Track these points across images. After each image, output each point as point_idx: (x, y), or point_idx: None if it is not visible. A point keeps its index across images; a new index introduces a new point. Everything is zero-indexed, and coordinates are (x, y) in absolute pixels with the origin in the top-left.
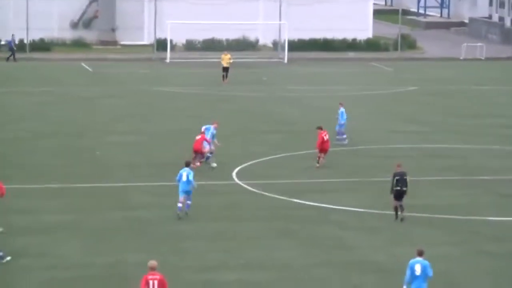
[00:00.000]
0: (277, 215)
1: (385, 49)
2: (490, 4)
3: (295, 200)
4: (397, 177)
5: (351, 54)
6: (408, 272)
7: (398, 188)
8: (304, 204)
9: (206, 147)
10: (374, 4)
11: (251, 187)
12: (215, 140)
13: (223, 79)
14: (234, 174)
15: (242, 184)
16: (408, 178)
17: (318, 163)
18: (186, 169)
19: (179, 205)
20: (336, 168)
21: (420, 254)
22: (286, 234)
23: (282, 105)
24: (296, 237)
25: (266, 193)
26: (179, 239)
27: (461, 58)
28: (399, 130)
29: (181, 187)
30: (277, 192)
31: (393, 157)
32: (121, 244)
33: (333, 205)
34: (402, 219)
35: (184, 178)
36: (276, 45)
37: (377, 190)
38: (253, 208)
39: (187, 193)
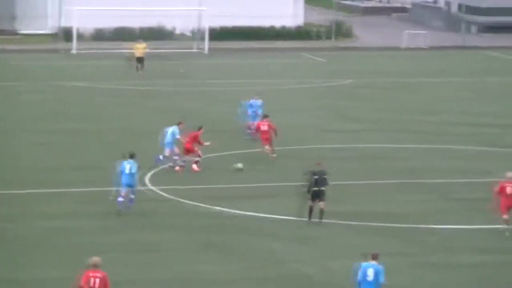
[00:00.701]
0: (198, 224)
1: (318, 37)
2: None
3: (217, 208)
4: (316, 176)
5: (279, 44)
6: (359, 275)
7: (317, 188)
8: (228, 212)
9: (167, 150)
10: None
11: (167, 193)
12: (180, 139)
13: (137, 70)
14: (147, 179)
15: (157, 190)
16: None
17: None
18: (131, 161)
19: (120, 199)
20: (264, 171)
21: (374, 257)
22: (208, 246)
23: (202, 101)
24: (219, 249)
25: (184, 200)
26: (97, 251)
27: (402, 47)
28: (334, 128)
29: (123, 180)
30: (197, 199)
31: (328, 159)
32: (37, 258)
33: (261, 213)
34: (319, 221)
35: (127, 171)
36: (195, 34)
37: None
38: (170, 217)
39: (130, 186)
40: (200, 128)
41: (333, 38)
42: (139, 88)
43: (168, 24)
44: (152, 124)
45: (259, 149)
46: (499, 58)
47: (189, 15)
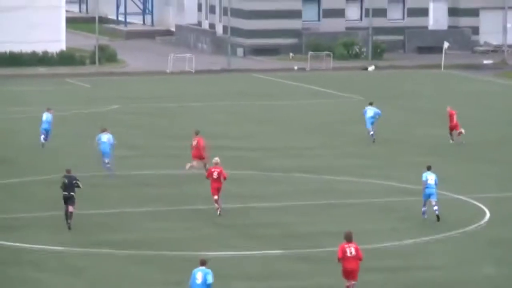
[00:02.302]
0: None
1: (82, 63)
2: (199, 9)
3: None
4: (65, 180)
5: (42, 70)
6: (190, 279)
7: (66, 193)
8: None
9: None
10: (67, 11)
11: None
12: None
13: None
14: None
15: None
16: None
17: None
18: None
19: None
20: (29, 201)
21: (203, 263)
22: None
23: None
24: None
25: None
26: None
27: (168, 71)
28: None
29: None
30: None
31: (96, 186)
32: None
33: (26, 243)
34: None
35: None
36: None
37: (77, 225)
38: None
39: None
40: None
41: (97, 63)
42: None
43: None
44: None
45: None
46: (265, 80)
47: None
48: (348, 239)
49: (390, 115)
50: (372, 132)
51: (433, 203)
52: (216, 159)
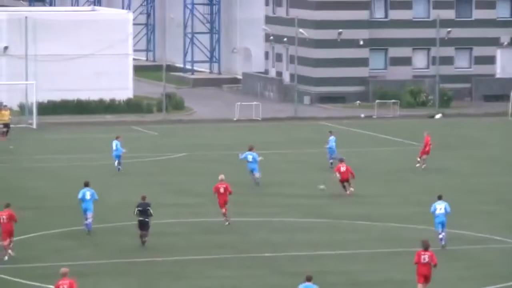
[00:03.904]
0: None
1: (149, 110)
2: (266, 57)
3: (51, 287)
4: (139, 208)
5: (109, 117)
6: None
7: (141, 218)
8: None
9: None
10: (135, 59)
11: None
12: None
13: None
14: None
15: None
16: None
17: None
18: (87, 188)
19: (88, 221)
20: (96, 248)
21: (309, 279)
22: None
23: (31, 178)
24: None
25: (17, 279)
26: None
27: (235, 119)
28: (167, 202)
29: (84, 205)
30: (30, 278)
31: (158, 235)
32: None
33: None
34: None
35: (88, 197)
36: (23, 108)
37: (142, 273)
38: None
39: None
40: None
41: (164, 111)
42: None
43: None
44: None
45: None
46: (332, 128)
47: (16, 89)
48: (425, 247)
49: (457, 163)
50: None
51: (440, 231)
52: (222, 176)
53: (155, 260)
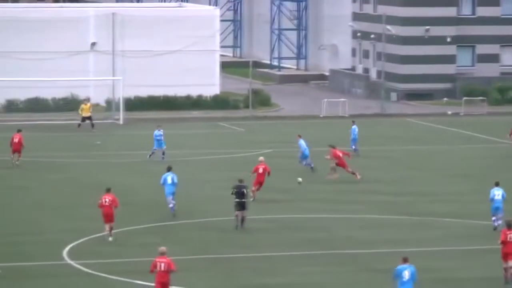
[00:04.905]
0: None
1: (235, 106)
2: (353, 54)
3: (138, 282)
4: (236, 189)
5: (195, 113)
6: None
7: (238, 200)
8: (150, 286)
9: None
10: (222, 56)
11: (86, 267)
12: None
13: (92, 127)
14: (64, 253)
15: (75, 265)
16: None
17: None
18: (169, 173)
19: (170, 205)
20: (182, 244)
21: (405, 261)
22: None
23: (118, 173)
24: None
25: (104, 274)
26: None
27: (321, 115)
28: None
29: (167, 190)
30: (117, 273)
31: (245, 231)
32: None
33: (184, 286)
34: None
35: (169, 181)
36: (110, 104)
37: (228, 269)
38: None
39: (173, 194)
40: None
41: (251, 107)
42: (49, 160)
43: (82, 94)
44: (58, 197)
45: (174, 222)
46: (418, 125)
47: (103, 85)
48: (509, 226)
49: None
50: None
51: (497, 216)
52: (261, 158)
53: (241, 256)
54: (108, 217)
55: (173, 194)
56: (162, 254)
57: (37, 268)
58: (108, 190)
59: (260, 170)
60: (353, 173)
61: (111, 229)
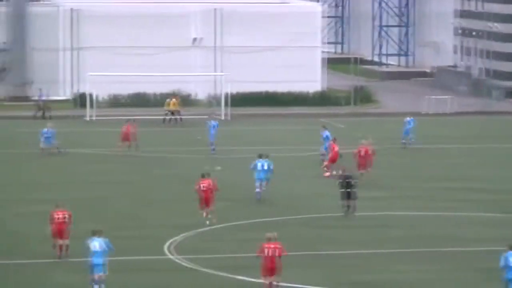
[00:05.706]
0: None
1: (337, 103)
2: (455, 52)
3: (239, 277)
4: (340, 180)
5: (297, 109)
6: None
7: (343, 190)
8: (250, 282)
9: None
10: (323, 52)
11: (187, 262)
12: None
13: (177, 122)
14: (165, 247)
15: (176, 260)
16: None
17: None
18: (261, 160)
19: (257, 190)
20: (284, 241)
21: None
22: None
23: (223, 168)
24: None
25: (205, 270)
26: None
27: (423, 112)
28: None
29: (257, 175)
30: (218, 268)
31: (342, 228)
32: None
33: (283, 282)
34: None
35: (259, 167)
36: (213, 99)
37: (330, 265)
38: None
39: (263, 179)
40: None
41: (352, 104)
42: (153, 155)
43: (184, 90)
44: (160, 192)
45: (275, 218)
46: None
47: (206, 81)
48: None
49: None
50: None
51: None
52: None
53: (336, 253)
54: (206, 201)
55: (266, 180)
56: (269, 240)
57: (140, 262)
58: (203, 176)
59: (362, 153)
60: (327, 169)
61: (207, 214)
